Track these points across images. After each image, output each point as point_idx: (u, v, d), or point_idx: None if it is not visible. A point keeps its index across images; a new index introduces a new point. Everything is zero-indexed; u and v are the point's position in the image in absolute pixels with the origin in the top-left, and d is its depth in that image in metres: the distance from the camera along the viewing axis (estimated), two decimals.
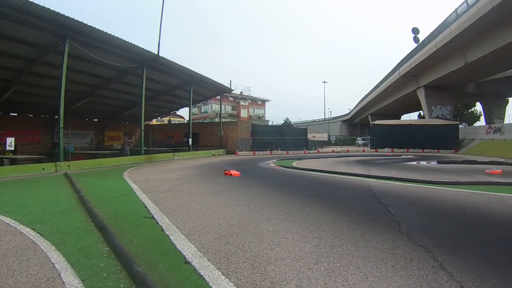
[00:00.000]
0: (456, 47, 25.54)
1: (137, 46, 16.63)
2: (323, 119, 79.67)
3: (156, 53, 17.95)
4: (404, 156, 22.03)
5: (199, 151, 24.91)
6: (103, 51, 15.63)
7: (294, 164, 15.55)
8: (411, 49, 34.89)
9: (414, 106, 50.29)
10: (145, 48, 17.14)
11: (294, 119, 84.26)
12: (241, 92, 59.20)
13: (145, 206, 5.60)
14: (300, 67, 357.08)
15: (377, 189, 7.55)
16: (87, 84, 21.13)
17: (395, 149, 29.79)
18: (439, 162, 15.66)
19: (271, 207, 5.66)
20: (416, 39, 38.13)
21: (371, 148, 31.75)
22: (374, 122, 35.22)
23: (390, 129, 31.98)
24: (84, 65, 17.56)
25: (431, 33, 28.95)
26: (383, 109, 54.40)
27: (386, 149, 30.41)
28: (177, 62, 20.08)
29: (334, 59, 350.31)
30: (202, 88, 25.92)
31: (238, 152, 25.40)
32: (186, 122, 47.77)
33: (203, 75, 23.61)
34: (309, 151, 28.82)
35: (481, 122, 47.52)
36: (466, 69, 27.53)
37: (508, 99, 40.86)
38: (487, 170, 10.98)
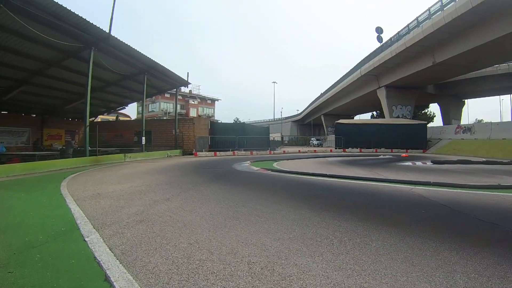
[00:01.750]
0: (426, 46, 25.27)
1: (84, 19, 12.94)
2: (272, 119, 79.53)
3: (108, 31, 14.44)
4: (382, 156, 20.96)
5: (154, 152, 21.52)
6: (39, 23, 11.87)
7: (277, 165, 13.49)
8: (375, 49, 34.95)
9: (372, 106, 51.29)
10: (94, 24, 13.58)
11: (244, 119, 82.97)
12: (190, 91, 56.09)
13: (109, 281, 2.50)
14: (253, 66, 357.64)
15: (439, 199, 5.77)
16: (21, 68, 16.71)
17: (363, 149, 28.96)
18: (434, 163, 14.50)
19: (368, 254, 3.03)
20: (379, 39, 38.27)
21: (337, 148, 30.72)
22: (338, 121, 34.55)
23: (356, 128, 31.29)
24: (16, 41, 13.49)
25: (399, 31, 28.68)
26: (338, 109, 54.68)
27: (352, 149, 29.51)
28: (131, 46, 16.69)
29: (287, 59, 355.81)
30: (157, 80, 22.48)
31: (198, 153, 22.51)
32: (134, 119, 43.48)
33: (160, 64, 20.27)
34: (274, 152, 26.96)
35: (435, 123, 49.80)
36: (433, 69, 27.62)
37: (464, 101, 42.86)
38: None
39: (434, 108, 54.45)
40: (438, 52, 25.19)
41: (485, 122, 25.37)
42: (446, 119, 41.51)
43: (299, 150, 27.69)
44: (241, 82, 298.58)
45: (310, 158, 19.09)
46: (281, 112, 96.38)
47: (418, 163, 14.43)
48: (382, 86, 36.26)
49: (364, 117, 63.23)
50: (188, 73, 24.96)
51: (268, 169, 11.70)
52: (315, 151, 28.66)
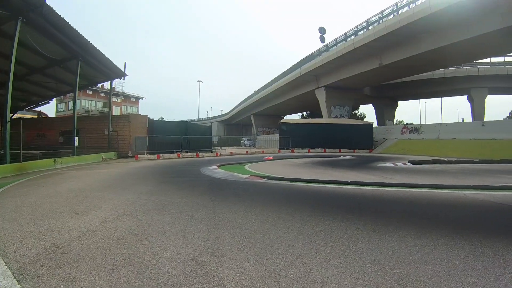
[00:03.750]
0: (376, 48, 25.84)
1: None
2: (197, 119, 77.69)
3: None
4: (342, 157, 20.40)
5: (87, 155, 17.46)
6: None
7: (250, 168, 12.08)
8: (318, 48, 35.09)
9: (304, 107, 52.65)
10: None
11: (169, 118, 79.40)
12: (113, 88, 50.32)
13: None
14: (178, 66, 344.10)
15: None
16: None
17: (312, 150, 28.41)
18: (412, 163, 14.10)
19: None
20: (322, 39, 38.84)
21: (286, 149, 29.67)
22: (283, 121, 33.87)
23: (302, 128, 30.69)
24: None
25: (346, 32, 29.04)
26: (269, 109, 54.88)
27: (301, 150, 28.65)
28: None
29: (215, 57, 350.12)
30: (90, 69, 18.48)
31: (138, 156, 19.24)
32: (58, 117, 37.43)
33: (98, 49, 16.53)
34: (221, 153, 24.85)
35: None
36: (378, 71, 28.61)
37: (398, 103, 46.37)
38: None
39: (363, 109, 58.45)
40: (386, 55, 25.96)
41: (434, 123, 27.05)
42: (380, 120, 44.29)
43: (231, 152, 25.79)
44: (168, 80, 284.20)
45: (277, 160, 17.66)
46: (207, 112, 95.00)
47: (399, 164, 13.87)
48: (321, 86, 36.77)
49: (294, 117, 64.91)
50: (125, 62, 21.18)
51: (259, 176, 9.53)
52: (247, 152, 27.04)
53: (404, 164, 13.94)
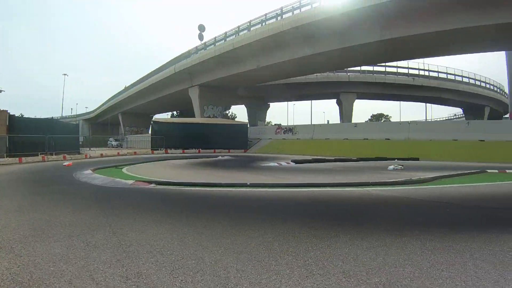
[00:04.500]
0: (256, 49, 26.47)
1: None
2: (60, 117, 68.12)
3: None
4: (221, 157, 19.78)
5: None
6: None
7: (128, 172, 10.57)
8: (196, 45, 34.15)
9: (180, 105, 51.25)
10: None
11: (29, 115, 64.70)
12: None
13: None
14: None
15: (421, 196, 5.40)
16: None
17: (186, 150, 26.95)
18: (295, 162, 14.53)
19: None
20: (201, 37, 38.00)
21: (159, 149, 27.20)
22: (155, 120, 31.60)
23: (176, 128, 29.05)
24: None
25: (227, 32, 29.02)
26: (139, 108, 51.83)
27: (175, 150, 26.95)
28: None
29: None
30: None
31: None
32: None
33: None
34: (90, 154, 21.45)
35: None
36: (255, 72, 29.50)
37: (269, 104, 49.22)
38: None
39: (234, 109, 60.61)
40: (265, 57, 26.91)
41: (308, 124, 29.28)
42: (252, 120, 46.15)
43: (101, 154, 22.27)
44: (30, 73, 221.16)
45: (155, 162, 15.87)
46: (71, 109, 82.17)
47: (283, 163, 14.03)
48: (195, 85, 36.04)
49: (164, 116, 62.34)
50: None
51: (146, 181, 7.74)
52: (118, 153, 23.96)
53: (288, 163, 14.15)
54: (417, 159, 15.83)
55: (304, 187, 7.01)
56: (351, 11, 19.11)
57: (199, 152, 26.62)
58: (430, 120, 55.14)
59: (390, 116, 70.48)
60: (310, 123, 37.04)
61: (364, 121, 48.57)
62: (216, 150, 27.55)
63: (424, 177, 7.74)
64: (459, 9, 16.97)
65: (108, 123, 65.42)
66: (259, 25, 25.30)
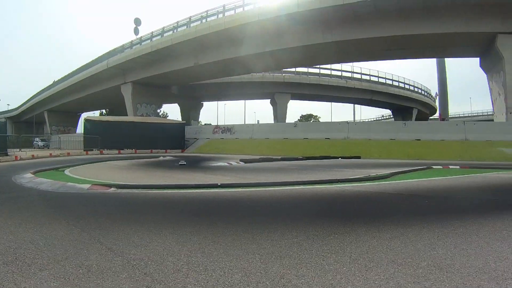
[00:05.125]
0: (195, 46, 25.84)
1: None
2: None
3: None
4: (162, 158, 18.72)
5: None
6: None
7: (71, 173, 9.39)
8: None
9: (111, 103, 48.30)
10: None
11: None
12: None
13: None
14: None
15: (392, 189, 6.22)
16: None
17: (121, 151, 25.02)
18: (244, 162, 14.43)
19: None
20: (136, 31, 35.82)
21: (95, 150, 24.73)
22: (87, 118, 28.62)
23: (110, 127, 26.64)
24: None
25: (164, 27, 27.84)
26: (67, 105, 47.31)
27: (110, 150, 24.91)
28: None
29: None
30: None
31: None
32: None
33: None
34: (21, 156, 18.38)
35: None
36: (192, 70, 28.83)
37: (203, 103, 48.00)
38: None
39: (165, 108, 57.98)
40: (203, 55, 26.44)
41: (247, 124, 29.28)
42: (185, 119, 44.61)
43: (32, 155, 19.30)
44: None
45: (94, 163, 14.25)
46: None
47: (233, 163, 13.83)
48: (128, 82, 34.08)
49: (94, 115, 57.44)
50: None
51: (104, 185, 6.81)
52: (50, 154, 21.14)
53: (238, 163, 14.01)
54: (359, 158, 16.77)
55: (277, 186, 6.94)
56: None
57: (135, 152, 24.98)
58: (364, 120, 58.98)
59: (319, 117, 73.53)
60: (247, 123, 37.32)
61: (295, 121, 50.55)
62: (153, 150, 26.12)
63: (383, 174, 8.32)
64: (395, 18, 19.18)
65: (33, 121, 59.49)
66: (199, 22, 24.73)
